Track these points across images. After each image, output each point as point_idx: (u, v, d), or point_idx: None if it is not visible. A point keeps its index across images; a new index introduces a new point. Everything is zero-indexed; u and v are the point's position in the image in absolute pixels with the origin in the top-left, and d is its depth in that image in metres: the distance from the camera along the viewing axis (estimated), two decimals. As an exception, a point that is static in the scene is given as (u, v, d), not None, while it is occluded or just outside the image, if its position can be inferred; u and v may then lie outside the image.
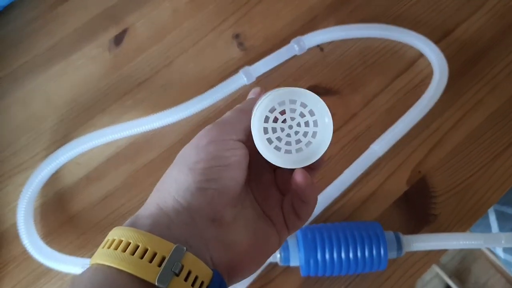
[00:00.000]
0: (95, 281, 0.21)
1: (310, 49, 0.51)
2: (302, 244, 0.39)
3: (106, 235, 0.23)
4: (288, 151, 0.25)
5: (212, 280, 0.22)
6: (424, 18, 0.52)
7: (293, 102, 0.24)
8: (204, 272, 0.22)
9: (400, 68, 0.50)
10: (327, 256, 0.39)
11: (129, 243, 0.22)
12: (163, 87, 0.50)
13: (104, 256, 0.22)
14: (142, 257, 0.21)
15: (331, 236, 0.39)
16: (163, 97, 0.50)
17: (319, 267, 0.39)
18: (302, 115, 0.24)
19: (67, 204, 0.46)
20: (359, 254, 0.39)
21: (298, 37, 0.50)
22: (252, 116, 0.25)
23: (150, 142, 0.48)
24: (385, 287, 0.42)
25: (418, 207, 0.45)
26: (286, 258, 0.40)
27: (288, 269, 0.42)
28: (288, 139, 0.25)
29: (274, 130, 0.24)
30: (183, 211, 0.24)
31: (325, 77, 0.50)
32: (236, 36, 0.52)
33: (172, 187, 0.24)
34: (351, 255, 0.39)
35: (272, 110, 0.24)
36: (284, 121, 0.25)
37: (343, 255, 0.39)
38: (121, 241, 0.22)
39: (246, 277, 0.27)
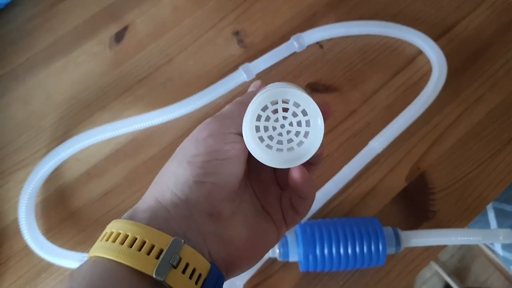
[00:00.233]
0: (94, 273, 0.21)
1: (309, 46, 0.51)
2: (301, 239, 0.39)
3: None
4: (279, 150, 0.24)
5: (210, 272, 0.22)
6: (424, 15, 0.52)
7: (286, 101, 0.24)
8: (202, 265, 0.22)
9: (400, 65, 0.50)
10: (326, 251, 0.39)
11: (127, 236, 0.22)
12: (163, 84, 0.50)
13: (103, 248, 0.22)
14: (140, 250, 0.21)
15: (330, 232, 0.39)
16: (163, 94, 0.50)
17: (318, 262, 0.39)
18: (294, 114, 0.24)
19: (68, 200, 0.46)
20: (357, 249, 0.39)
21: (298, 34, 0.50)
22: (245, 114, 0.25)
23: (150, 138, 0.48)
24: (384, 283, 0.42)
25: (417, 203, 0.45)
26: (285, 253, 0.40)
27: (287, 264, 0.42)
28: (280, 138, 0.24)
29: (266, 128, 0.24)
30: (181, 205, 0.24)
31: (325, 74, 0.50)
32: (236, 33, 0.52)
33: (170, 180, 0.25)
34: (349, 250, 0.39)
35: (264, 109, 0.24)
36: (276, 120, 0.24)
37: (341, 250, 0.39)
38: (119, 234, 0.22)
39: (244, 271, 0.27)
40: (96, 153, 0.48)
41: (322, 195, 0.44)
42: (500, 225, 0.64)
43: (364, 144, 0.46)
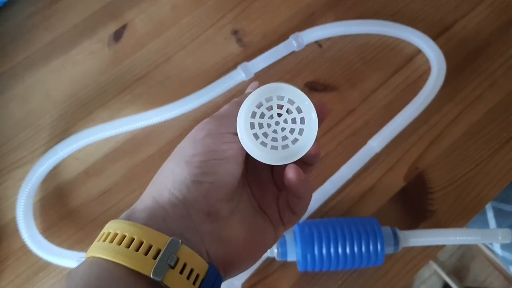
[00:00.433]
0: (91, 273, 0.21)
1: (308, 45, 0.51)
2: (299, 239, 0.39)
3: None
4: (274, 147, 0.24)
5: (208, 273, 0.22)
6: (423, 14, 0.52)
7: (280, 98, 0.24)
8: (200, 265, 0.22)
9: (398, 64, 0.50)
10: (324, 251, 0.39)
11: (125, 236, 0.22)
12: (162, 82, 0.50)
13: (100, 249, 0.22)
14: (137, 250, 0.21)
15: (328, 231, 0.39)
16: (162, 93, 0.50)
17: (316, 262, 0.39)
18: (289, 111, 0.24)
19: (66, 198, 0.46)
20: (356, 249, 0.39)
21: (297, 33, 0.50)
22: (239, 111, 0.25)
23: (148, 137, 0.48)
24: (382, 282, 0.42)
25: (415, 202, 0.45)
26: (283, 253, 0.40)
27: (285, 264, 0.42)
28: (275, 135, 0.24)
29: (260, 125, 0.24)
30: (179, 204, 0.24)
31: (323, 73, 0.50)
32: (235, 32, 0.52)
33: (168, 180, 0.25)
34: (348, 250, 0.39)
35: (259, 106, 0.24)
36: (271, 117, 0.24)
37: (340, 250, 0.39)
38: (116, 234, 0.22)
39: (242, 272, 0.27)
40: (95, 151, 0.48)
41: (321, 194, 0.44)
42: (499, 224, 0.64)
43: (363, 143, 0.46)
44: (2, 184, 0.47)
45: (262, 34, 0.52)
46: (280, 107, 0.24)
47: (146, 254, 0.21)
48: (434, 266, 1.04)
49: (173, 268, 0.21)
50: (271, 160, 0.24)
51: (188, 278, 0.22)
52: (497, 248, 0.69)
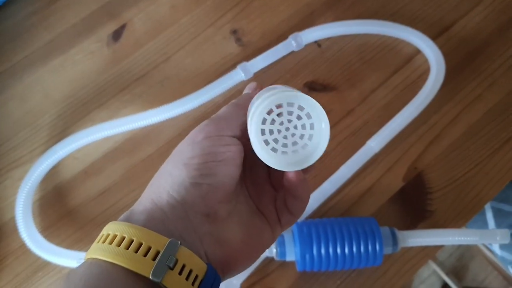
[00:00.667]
0: (90, 274, 0.21)
1: (307, 45, 0.51)
2: (298, 239, 0.39)
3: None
4: (284, 153, 0.25)
5: (207, 273, 0.22)
6: (422, 14, 0.52)
7: (290, 104, 0.24)
8: (198, 266, 0.22)
9: (398, 64, 0.50)
10: (322, 251, 0.39)
11: (124, 238, 0.22)
12: (161, 82, 0.50)
13: (99, 250, 0.22)
14: (136, 251, 0.21)
15: (327, 231, 0.39)
16: (160, 92, 0.50)
17: (315, 262, 0.39)
18: (299, 117, 0.24)
19: (65, 198, 0.46)
20: (354, 249, 0.39)
21: (296, 33, 0.50)
22: (249, 118, 0.25)
23: (147, 137, 0.48)
24: (381, 283, 0.42)
25: (414, 203, 0.45)
26: (282, 253, 0.40)
27: (284, 264, 0.42)
28: (285, 141, 0.24)
29: (271, 131, 0.24)
30: (178, 206, 0.24)
31: (323, 73, 0.50)
32: (234, 31, 0.52)
33: (166, 182, 0.25)
34: (346, 250, 0.39)
35: (269, 112, 0.24)
36: (281, 123, 0.24)
37: (338, 250, 0.39)
38: (115, 236, 0.22)
39: (240, 272, 0.27)
40: (94, 151, 0.48)
41: (320, 194, 0.44)
42: (498, 225, 0.64)
43: (362, 143, 0.46)
44: (1, 184, 0.47)
45: (261, 33, 0.52)
46: (290, 113, 0.24)
47: (145, 255, 0.21)
48: (433, 265, 1.04)
49: (172, 269, 0.21)
50: (282, 166, 0.24)
51: (187, 279, 0.22)
52: (496, 248, 0.69)
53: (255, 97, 0.27)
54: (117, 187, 0.46)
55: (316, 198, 0.44)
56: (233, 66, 0.50)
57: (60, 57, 0.52)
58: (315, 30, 0.50)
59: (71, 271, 0.22)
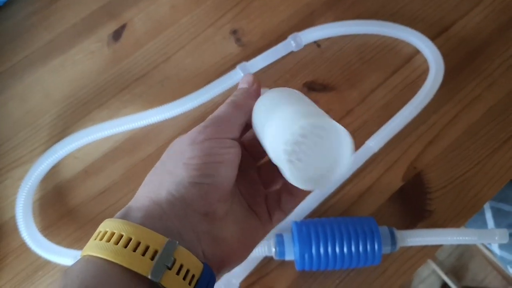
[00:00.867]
0: (87, 271, 0.21)
1: (307, 45, 0.51)
2: (297, 238, 0.39)
3: None
4: (307, 171, 0.24)
5: (203, 272, 0.23)
6: (422, 15, 0.52)
7: (316, 126, 0.24)
8: (195, 265, 0.22)
9: (397, 64, 0.50)
10: (321, 250, 0.39)
11: (122, 236, 0.22)
12: (161, 82, 0.51)
13: (97, 248, 0.22)
14: (134, 250, 0.21)
15: (326, 231, 0.40)
16: (160, 92, 0.50)
17: (314, 261, 0.39)
18: (324, 138, 0.24)
19: (65, 197, 0.46)
20: (353, 248, 0.39)
21: (295, 33, 0.50)
22: (268, 133, 0.25)
23: (147, 136, 0.48)
24: (379, 282, 0.42)
25: (413, 202, 0.45)
26: (281, 252, 0.40)
27: (283, 263, 0.43)
28: (308, 160, 0.24)
29: (295, 152, 0.24)
30: (177, 204, 0.24)
31: (322, 73, 0.50)
32: (234, 31, 0.52)
33: (166, 180, 0.25)
34: (345, 249, 0.39)
35: (294, 133, 0.23)
36: (305, 143, 0.24)
37: (337, 249, 0.39)
38: (113, 233, 0.22)
39: (233, 269, 0.27)
40: (94, 151, 0.48)
41: (319, 194, 0.44)
42: (497, 224, 0.64)
43: (361, 143, 0.46)
44: (1, 183, 0.47)
45: (261, 33, 0.52)
46: (316, 134, 0.24)
47: (143, 254, 0.21)
48: (432, 265, 1.04)
49: (170, 269, 0.21)
50: (305, 185, 0.24)
51: (184, 278, 0.22)
52: (495, 248, 0.69)
53: (262, 100, 0.27)
54: (117, 187, 0.47)
55: (316, 198, 0.44)
56: (233, 66, 0.50)
57: (60, 57, 0.52)
58: (315, 30, 0.50)
59: (68, 267, 0.22)
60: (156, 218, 0.23)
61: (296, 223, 0.41)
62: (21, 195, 0.44)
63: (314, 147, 0.24)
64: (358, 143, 0.46)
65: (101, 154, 0.48)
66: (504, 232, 0.42)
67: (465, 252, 1.07)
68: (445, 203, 0.45)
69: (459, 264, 1.07)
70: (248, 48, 0.51)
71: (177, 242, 0.22)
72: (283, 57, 0.50)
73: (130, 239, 0.22)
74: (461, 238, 0.42)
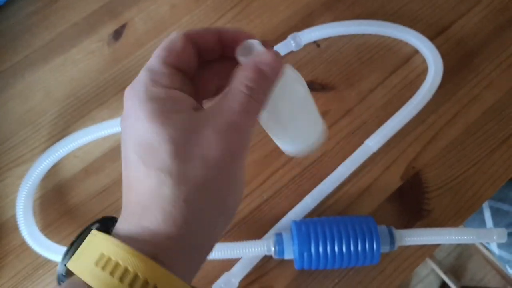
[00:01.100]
0: None
1: (306, 45, 0.51)
2: (296, 237, 0.40)
3: None
4: None
5: None
6: (421, 15, 0.52)
7: None
8: None
9: (396, 64, 0.50)
10: (320, 249, 0.39)
11: (127, 269, 0.19)
12: (161, 81, 0.51)
13: (96, 279, 0.20)
14: None
15: (325, 230, 0.40)
16: (160, 92, 0.50)
17: (313, 260, 0.39)
18: None
19: (66, 196, 0.47)
20: (352, 247, 0.39)
21: (295, 33, 0.50)
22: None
23: (147, 136, 0.48)
24: (378, 281, 0.43)
25: (412, 202, 0.45)
26: (280, 251, 0.40)
27: (282, 262, 0.43)
28: None
29: None
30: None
31: (321, 73, 0.50)
32: (234, 31, 0.53)
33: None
34: (344, 248, 0.39)
35: None
36: None
37: (336, 248, 0.39)
38: (117, 264, 0.19)
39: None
40: (94, 150, 0.48)
41: (318, 193, 0.44)
42: (496, 224, 0.64)
43: (360, 142, 0.46)
44: (2, 182, 0.47)
45: (261, 33, 0.52)
46: None
47: None
48: (431, 264, 1.05)
49: None
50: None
51: None
52: (494, 247, 0.69)
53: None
54: (117, 186, 0.47)
55: (315, 197, 0.44)
56: (232, 66, 0.50)
57: (61, 56, 0.53)
58: (314, 30, 0.50)
59: None
60: (172, 253, 0.21)
61: (295, 222, 0.41)
62: (22, 194, 0.44)
63: None
64: (357, 143, 0.47)
65: (101, 153, 0.48)
66: (503, 231, 0.42)
67: (464, 252, 1.08)
68: (443, 203, 0.45)
69: (458, 264, 1.07)
70: (248, 48, 0.51)
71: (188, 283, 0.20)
72: (283, 57, 0.51)
73: (137, 276, 0.19)
74: (459, 237, 0.42)
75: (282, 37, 0.51)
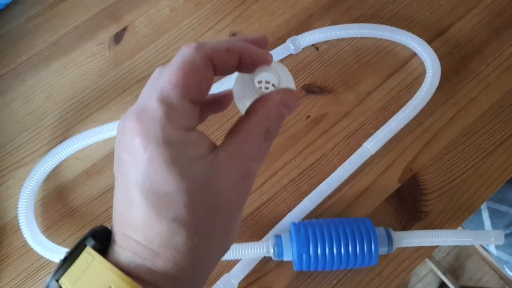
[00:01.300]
0: None
1: (305, 48, 0.51)
2: (295, 239, 0.40)
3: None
4: None
5: None
6: (418, 18, 0.53)
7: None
8: None
9: (394, 67, 0.51)
10: (319, 251, 0.40)
11: None
12: (161, 84, 0.51)
13: None
14: None
15: (323, 232, 0.40)
16: (161, 94, 0.51)
17: (312, 262, 0.40)
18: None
19: (67, 198, 0.47)
20: (350, 249, 0.40)
21: (294, 36, 0.50)
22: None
23: (148, 138, 0.49)
24: (376, 282, 0.43)
25: (409, 204, 0.46)
26: (279, 252, 0.41)
27: (281, 264, 0.43)
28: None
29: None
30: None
31: (320, 76, 0.51)
32: (233, 35, 0.53)
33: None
34: (342, 250, 0.40)
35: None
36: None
37: (334, 250, 0.40)
38: None
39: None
40: (95, 152, 0.49)
41: (317, 195, 0.45)
42: (494, 225, 0.65)
43: (358, 145, 0.47)
44: (4, 183, 0.48)
45: (260, 36, 0.53)
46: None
47: None
48: (430, 264, 1.05)
49: None
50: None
51: None
52: (492, 248, 0.70)
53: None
54: (118, 188, 0.47)
55: (313, 199, 0.45)
56: (232, 69, 0.50)
57: (62, 59, 0.53)
58: (313, 34, 0.51)
59: None
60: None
61: (294, 224, 0.41)
62: (24, 195, 0.45)
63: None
64: (355, 145, 0.47)
65: (102, 155, 0.49)
66: (500, 233, 0.42)
67: (462, 252, 1.08)
68: (441, 205, 0.45)
69: (457, 264, 1.08)
70: (247, 51, 0.52)
71: None
72: (282, 60, 0.51)
73: None
74: (456, 239, 0.42)
75: (281, 40, 0.51)
